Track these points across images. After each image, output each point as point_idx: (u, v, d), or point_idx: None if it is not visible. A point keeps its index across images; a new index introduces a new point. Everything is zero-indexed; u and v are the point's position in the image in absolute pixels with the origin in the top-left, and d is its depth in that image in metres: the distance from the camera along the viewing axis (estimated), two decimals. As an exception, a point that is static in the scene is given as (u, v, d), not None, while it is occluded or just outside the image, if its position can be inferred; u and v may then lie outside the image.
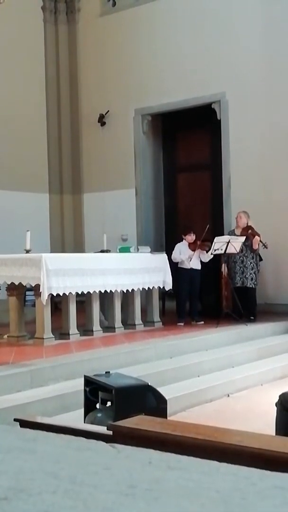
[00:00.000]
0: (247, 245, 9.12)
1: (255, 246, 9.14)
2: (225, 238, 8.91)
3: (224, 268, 9.24)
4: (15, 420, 2.56)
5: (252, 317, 9.15)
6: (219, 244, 8.74)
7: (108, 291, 7.94)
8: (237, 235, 9.15)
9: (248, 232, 9.16)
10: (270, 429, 4.13)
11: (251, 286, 9.21)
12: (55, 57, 12.72)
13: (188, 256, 8.98)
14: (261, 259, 9.66)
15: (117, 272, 7.99)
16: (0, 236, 10.66)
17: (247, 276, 9.15)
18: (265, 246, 9.28)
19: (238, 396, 6.59)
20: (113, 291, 7.99)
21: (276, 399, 4.24)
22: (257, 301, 9.62)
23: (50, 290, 7.04)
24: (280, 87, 10.23)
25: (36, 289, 7.12)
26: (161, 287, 8.76)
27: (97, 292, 7.80)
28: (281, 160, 10.20)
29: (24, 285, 7.26)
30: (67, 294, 7.36)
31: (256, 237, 9.15)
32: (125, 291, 8.23)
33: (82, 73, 12.62)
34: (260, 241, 9.19)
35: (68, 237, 12.74)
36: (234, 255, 9.06)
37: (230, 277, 9.23)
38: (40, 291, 6.96)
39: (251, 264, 9.21)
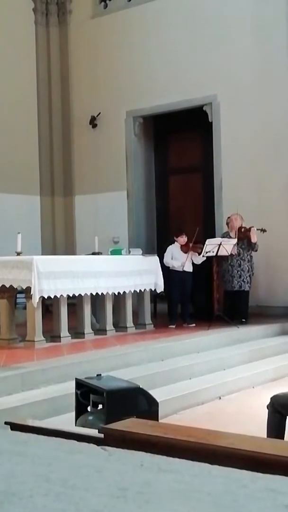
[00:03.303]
0: (244, 247, 9.12)
1: (254, 239, 9.05)
2: (217, 240, 8.92)
3: (215, 271, 9.23)
4: (6, 423, 2.55)
5: (243, 320, 9.16)
6: (211, 246, 8.75)
7: (100, 294, 7.92)
8: (232, 237, 9.13)
9: (242, 232, 9.16)
10: (262, 432, 4.14)
11: (247, 289, 9.23)
12: (46, 59, 12.70)
13: (181, 264, 8.97)
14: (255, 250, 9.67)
15: (109, 275, 7.98)
16: (-9, 238, 10.62)
17: (244, 279, 9.17)
18: (263, 230, 9.21)
19: (229, 398, 6.59)
20: (105, 293, 7.98)
21: (268, 401, 4.25)
22: (249, 303, 9.63)
23: (41, 293, 7.02)
24: (271, 89, 10.26)
25: (27, 291, 7.10)
26: (153, 290, 8.76)
27: (89, 294, 7.78)
28: (272, 162, 10.24)
29: (15, 287, 7.23)
30: (58, 296, 7.34)
31: (253, 228, 9.11)
32: (116, 294, 8.22)
33: (73, 75, 12.62)
34: (258, 229, 9.16)
35: (60, 239, 12.72)
36: (231, 258, 9.06)
37: (225, 280, 9.24)
38: (31, 293, 6.94)
39: (248, 267, 9.24)
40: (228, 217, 9.65)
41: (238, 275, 9.18)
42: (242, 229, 9.18)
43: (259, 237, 9.49)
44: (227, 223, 9.65)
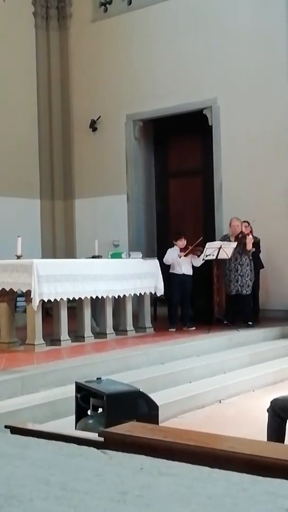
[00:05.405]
0: (241, 253, 9.09)
1: (249, 247, 9.05)
2: (217, 243, 8.91)
3: (215, 274, 9.22)
4: (6, 426, 2.54)
5: (250, 323, 9.16)
6: (211, 249, 8.75)
7: (100, 297, 7.92)
8: (232, 241, 9.11)
9: (240, 237, 9.14)
10: (262, 435, 4.13)
11: (247, 293, 9.20)
12: (46, 63, 12.72)
13: (178, 255, 8.94)
14: (262, 267, 9.65)
15: (109, 278, 7.98)
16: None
17: (242, 284, 9.12)
18: (249, 223, 9.21)
19: (229, 402, 6.59)
20: (105, 297, 7.97)
21: (268, 405, 4.25)
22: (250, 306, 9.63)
23: (41, 296, 7.02)
24: (270, 93, 10.28)
25: (27, 295, 7.10)
26: (153, 293, 8.76)
27: (89, 298, 7.78)
28: (272, 166, 10.24)
29: (15, 291, 7.23)
30: (58, 300, 7.34)
31: (249, 237, 9.08)
32: (116, 297, 8.22)
33: (73, 79, 12.64)
34: (253, 235, 9.16)
35: (60, 243, 12.72)
36: (229, 262, 9.05)
37: (225, 285, 9.24)
38: (31, 297, 6.94)
39: (247, 272, 9.19)
40: (231, 221, 9.57)
41: (235, 279, 9.15)
42: (240, 235, 9.16)
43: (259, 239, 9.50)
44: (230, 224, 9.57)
